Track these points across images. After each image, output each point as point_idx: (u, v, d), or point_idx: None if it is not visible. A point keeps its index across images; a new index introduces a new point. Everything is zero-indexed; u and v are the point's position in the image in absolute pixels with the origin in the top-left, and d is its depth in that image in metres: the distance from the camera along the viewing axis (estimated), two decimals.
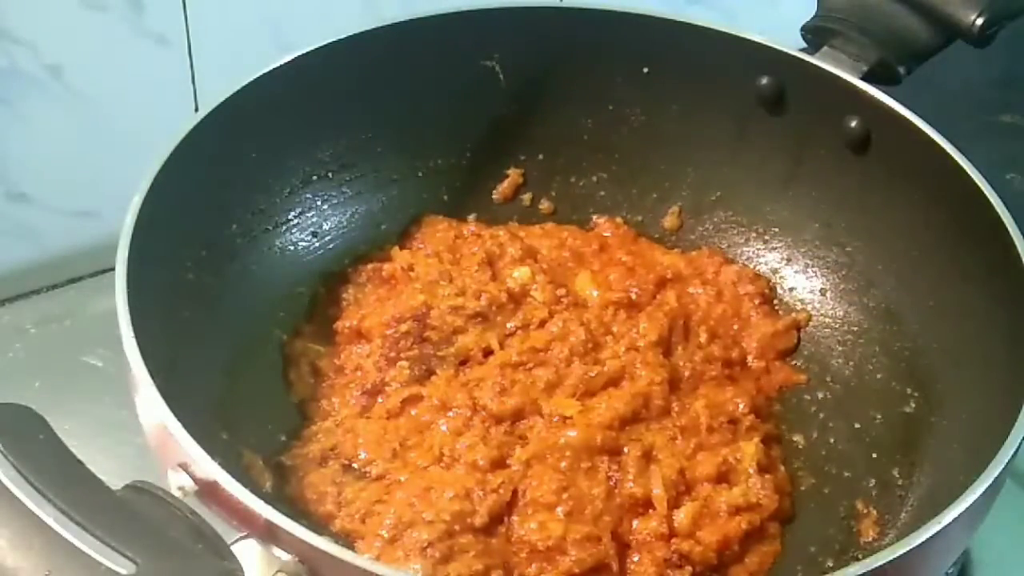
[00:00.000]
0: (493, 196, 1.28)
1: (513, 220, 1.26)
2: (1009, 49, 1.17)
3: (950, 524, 0.82)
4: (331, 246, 1.21)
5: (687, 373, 1.12)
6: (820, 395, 1.15)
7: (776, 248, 1.24)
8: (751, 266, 1.24)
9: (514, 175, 1.27)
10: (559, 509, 0.99)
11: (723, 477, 1.04)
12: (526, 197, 1.28)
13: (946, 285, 1.09)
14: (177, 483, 0.81)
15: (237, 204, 1.13)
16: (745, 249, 1.25)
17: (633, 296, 1.17)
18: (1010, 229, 1.01)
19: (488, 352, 1.11)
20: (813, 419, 1.14)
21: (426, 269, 1.16)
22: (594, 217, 1.27)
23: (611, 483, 1.02)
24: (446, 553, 0.95)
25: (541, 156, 1.28)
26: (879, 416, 1.12)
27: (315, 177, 1.20)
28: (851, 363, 1.17)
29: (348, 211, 1.22)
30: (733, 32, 1.18)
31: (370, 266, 1.18)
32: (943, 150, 1.07)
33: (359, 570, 0.77)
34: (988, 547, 1.15)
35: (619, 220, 1.26)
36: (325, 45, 1.14)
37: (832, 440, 1.12)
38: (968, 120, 1.09)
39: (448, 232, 1.21)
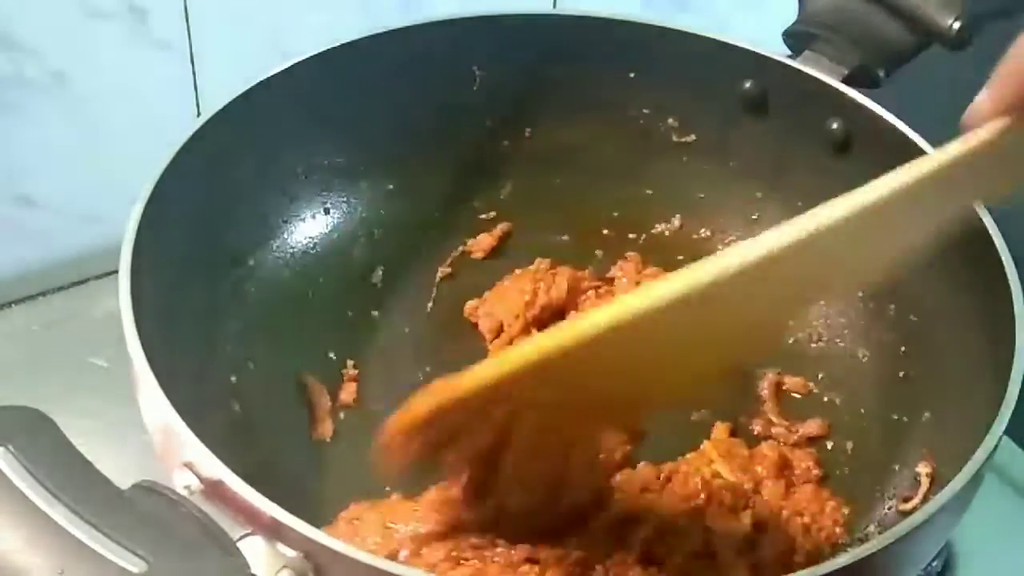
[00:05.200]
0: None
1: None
2: (994, 52, 1.19)
3: (929, 519, 0.84)
4: (334, 250, 1.22)
5: None
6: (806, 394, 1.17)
7: None
8: None
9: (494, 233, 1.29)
10: None
11: None
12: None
13: (930, 284, 1.10)
14: (183, 482, 0.82)
15: (239, 208, 1.14)
16: None
17: None
18: (990, 229, 1.02)
19: None
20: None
21: None
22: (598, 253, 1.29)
23: None
24: None
25: (533, 165, 1.29)
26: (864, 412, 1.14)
27: (318, 182, 1.21)
28: (835, 361, 1.18)
29: (352, 217, 1.23)
30: (716, 37, 1.19)
31: None
32: (922, 151, 1.08)
33: (364, 566, 0.78)
34: (972, 541, 1.17)
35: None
36: (324, 52, 1.16)
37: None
38: (952, 122, 1.10)
39: None
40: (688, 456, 1.09)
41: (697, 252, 1.25)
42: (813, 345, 1.20)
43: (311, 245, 1.21)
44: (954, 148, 0.77)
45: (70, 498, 0.73)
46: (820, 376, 1.18)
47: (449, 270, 1.25)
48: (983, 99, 0.77)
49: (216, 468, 0.82)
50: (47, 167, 1.33)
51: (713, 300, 0.78)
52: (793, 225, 0.78)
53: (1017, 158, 0.78)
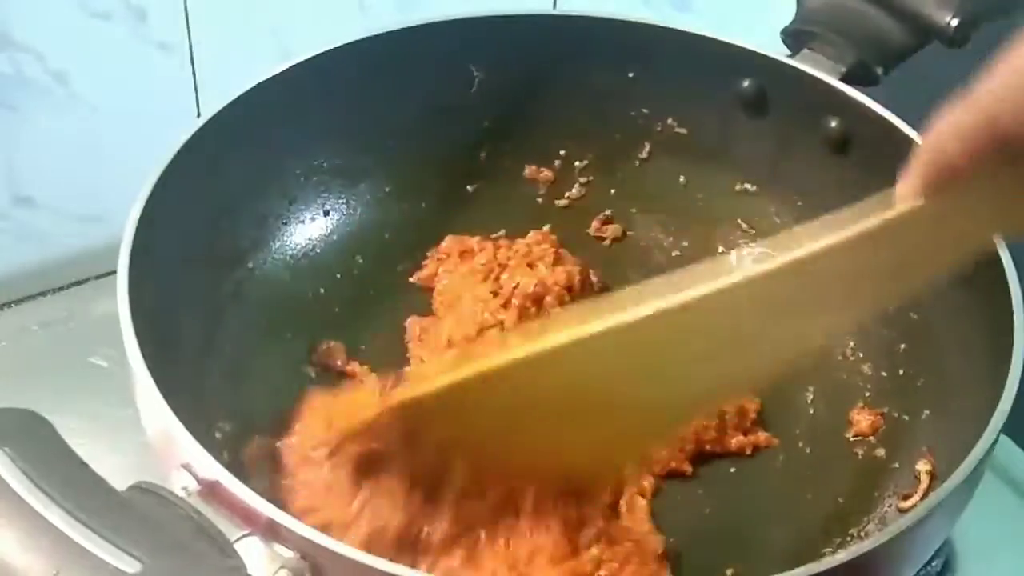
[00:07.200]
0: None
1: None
2: (992, 50, 1.19)
3: (927, 515, 0.84)
4: (334, 252, 1.22)
5: None
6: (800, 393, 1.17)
7: (756, 249, 1.23)
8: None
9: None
10: None
11: None
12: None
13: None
14: (180, 483, 0.82)
15: (239, 210, 1.14)
16: (731, 252, 1.26)
17: None
18: None
19: None
20: (798, 417, 1.16)
21: None
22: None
23: None
24: None
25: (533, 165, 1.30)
26: (860, 407, 1.14)
27: (318, 184, 1.21)
28: (831, 358, 1.18)
29: (351, 219, 1.23)
30: (715, 36, 1.19)
31: None
32: None
33: (360, 565, 0.78)
34: (972, 541, 1.17)
35: None
36: (323, 52, 1.16)
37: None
38: None
39: None
40: None
41: (691, 254, 1.27)
42: None
43: (311, 247, 1.21)
44: (875, 219, 0.79)
45: (66, 499, 0.73)
46: (819, 374, 1.18)
47: None
48: (903, 186, 0.78)
49: (213, 469, 0.82)
50: (47, 167, 1.33)
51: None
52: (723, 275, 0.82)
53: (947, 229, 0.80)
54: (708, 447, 1.11)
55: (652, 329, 0.82)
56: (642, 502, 1.05)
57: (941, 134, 0.74)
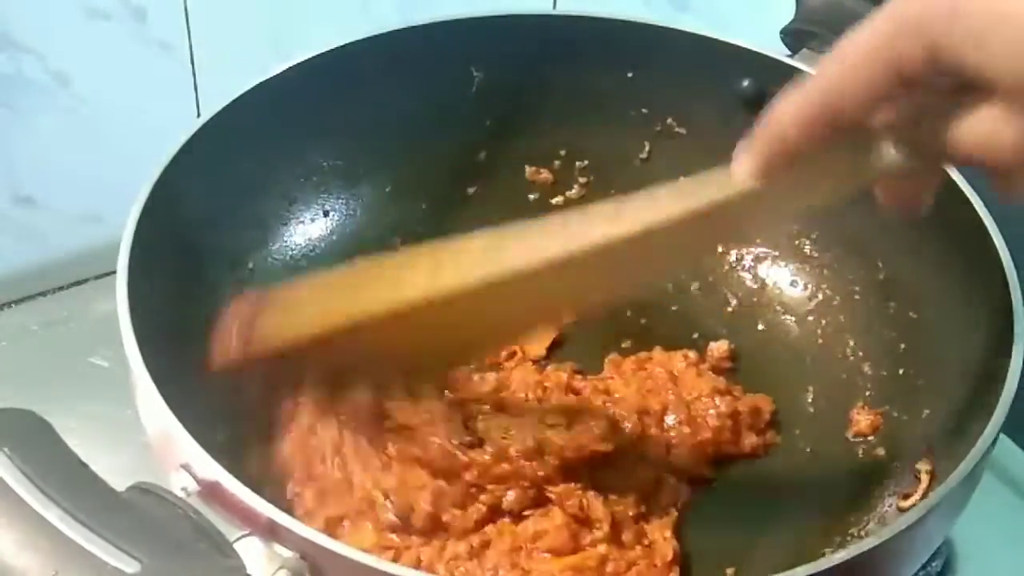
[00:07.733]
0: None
1: None
2: None
3: (926, 515, 0.84)
4: (333, 252, 1.22)
5: None
6: (800, 393, 1.17)
7: (755, 248, 1.26)
8: (735, 266, 1.26)
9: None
10: None
11: None
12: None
13: (930, 283, 1.11)
14: (180, 483, 0.83)
15: (238, 210, 1.14)
16: (731, 251, 1.27)
17: None
18: (989, 229, 1.02)
19: None
20: (799, 416, 1.16)
21: None
22: None
23: None
24: None
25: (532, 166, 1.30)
26: (861, 407, 1.14)
27: (317, 184, 1.21)
28: (831, 358, 1.18)
29: (351, 219, 1.23)
30: (715, 36, 1.19)
31: None
32: None
33: (360, 565, 0.78)
34: (972, 541, 1.17)
35: None
36: (323, 53, 1.16)
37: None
38: None
39: None
40: None
41: None
42: (815, 343, 1.21)
43: (310, 248, 1.21)
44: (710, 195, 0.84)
45: (65, 500, 0.74)
46: (820, 374, 1.18)
47: None
48: (742, 167, 0.80)
49: (213, 470, 0.82)
50: (47, 167, 1.33)
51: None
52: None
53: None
54: (725, 449, 1.11)
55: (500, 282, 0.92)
56: (673, 514, 1.06)
57: (782, 120, 0.76)
